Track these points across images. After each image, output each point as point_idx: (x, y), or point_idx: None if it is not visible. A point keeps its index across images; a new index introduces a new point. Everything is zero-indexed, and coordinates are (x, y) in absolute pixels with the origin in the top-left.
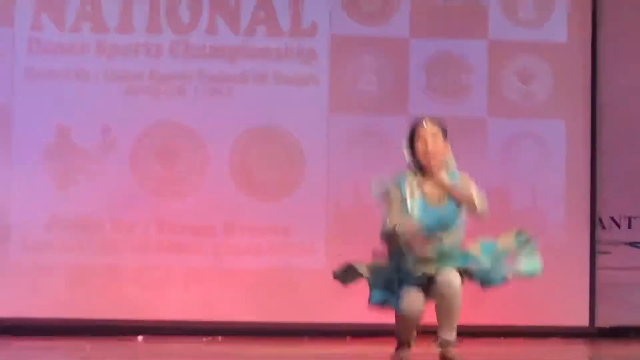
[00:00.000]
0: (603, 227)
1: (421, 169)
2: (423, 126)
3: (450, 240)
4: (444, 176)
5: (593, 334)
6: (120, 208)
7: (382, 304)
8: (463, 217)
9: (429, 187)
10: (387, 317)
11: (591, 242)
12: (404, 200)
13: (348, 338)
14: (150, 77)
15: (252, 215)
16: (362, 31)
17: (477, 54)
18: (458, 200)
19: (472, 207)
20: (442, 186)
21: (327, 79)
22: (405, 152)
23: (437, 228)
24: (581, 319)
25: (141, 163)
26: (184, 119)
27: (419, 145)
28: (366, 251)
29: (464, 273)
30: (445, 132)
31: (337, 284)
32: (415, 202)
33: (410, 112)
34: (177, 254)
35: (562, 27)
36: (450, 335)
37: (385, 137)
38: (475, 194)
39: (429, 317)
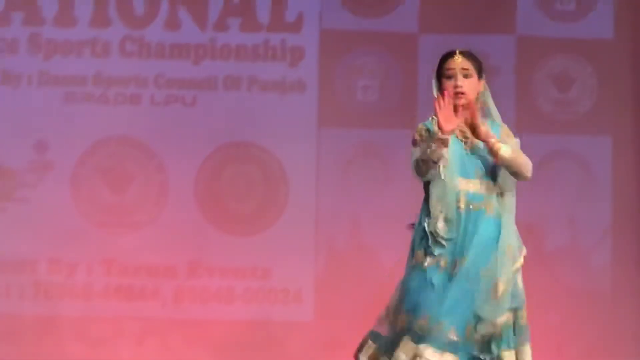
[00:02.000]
0: None
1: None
2: (453, 58)
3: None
4: (479, 119)
5: None
6: (59, 244)
7: None
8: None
9: (461, 126)
10: None
11: None
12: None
13: None
14: (96, 81)
15: (223, 253)
16: (360, 25)
17: (502, 53)
18: (493, 152)
19: (510, 165)
20: (474, 129)
21: (315, 84)
22: (434, 90)
23: (472, 166)
24: None
25: (85, 188)
26: (138, 133)
27: (446, 81)
28: (364, 298)
29: None
30: (480, 69)
31: (327, 340)
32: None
33: None
34: (128, 301)
35: (607, 21)
36: None
37: (388, 156)
38: (518, 151)
39: None
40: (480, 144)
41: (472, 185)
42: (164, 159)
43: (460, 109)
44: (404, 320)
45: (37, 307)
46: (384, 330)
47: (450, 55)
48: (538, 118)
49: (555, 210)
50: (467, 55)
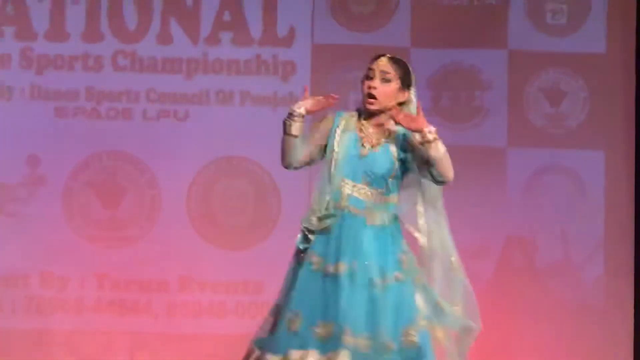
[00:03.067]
0: None
1: (365, 114)
2: (378, 59)
3: (379, 204)
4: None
5: None
6: (51, 259)
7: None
8: (413, 182)
9: (365, 130)
10: None
11: (636, 302)
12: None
13: None
14: (88, 95)
15: (215, 268)
16: (352, 39)
17: (494, 67)
18: (429, 141)
19: (442, 160)
20: (409, 120)
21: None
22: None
23: (361, 171)
24: None
25: (76, 203)
26: (130, 147)
27: (365, 81)
28: None
29: None
30: (407, 79)
31: None
32: (346, 137)
33: None
34: (120, 315)
35: (599, 35)
36: None
37: None
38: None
39: None
40: (379, 153)
41: (356, 190)
42: (155, 174)
43: (374, 113)
44: (294, 322)
45: (28, 322)
46: (266, 331)
47: (377, 57)
48: (530, 132)
49: (547, 225)
50: (395, 61)
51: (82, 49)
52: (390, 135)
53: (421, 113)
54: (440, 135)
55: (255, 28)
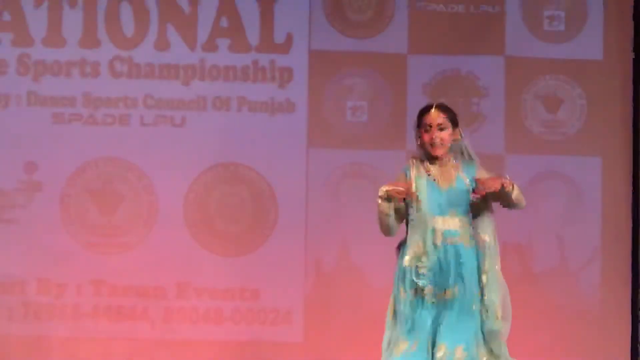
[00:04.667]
0: None
1: (429, 158)
2: (429, 113)
3: (460, 229)
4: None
5: None
6: (48, 265)
7: None
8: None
9: (436, 170)
10: None
11: (632, 308)
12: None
13: None
14: (85, 101)
15: (212, 274)
16: (349, 45)
17: (491, 74)
18: (507, 191)
19: (519, 200)
20: (486, 184)
21: (304, 104)
22: (416, 141)
23: (447, 206)
24: None
25: (74, 209)
26: (127, 154)
27: (423, 133)
28: (354, 318)
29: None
30: (454, 120)
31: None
32: (422, 182)
33: (409, 147)
34: (118, 321)
35: (596, 42)
36: None
37: (378, 177)
38: (510, 187)
39: None
40: (455, 187)
41: (447, 223)
42: (153, 180)
43: (439, 156)
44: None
45: (26, 328)
46: None
47: (427, 110)
48: (527, 139)
49: (545, 231)
50: (443, 108)
51: (79, 55)
52: (458, 169)
53: (487, 175)
54: None
55: (253, 34)
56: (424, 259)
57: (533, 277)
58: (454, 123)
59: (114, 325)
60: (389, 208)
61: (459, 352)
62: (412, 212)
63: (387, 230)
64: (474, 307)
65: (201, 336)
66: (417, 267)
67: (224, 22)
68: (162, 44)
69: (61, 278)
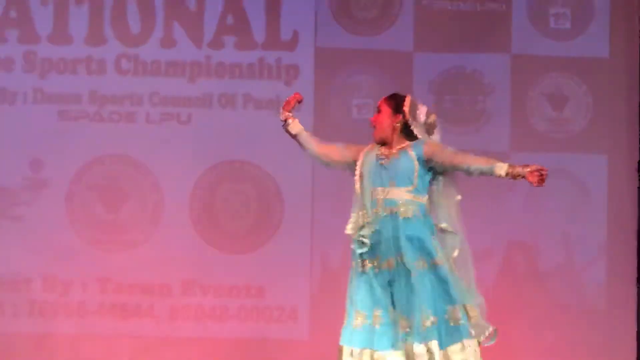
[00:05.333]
0: None
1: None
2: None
3: (408, 201)
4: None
5: None
6: (54, 262)
7: None
8: (436, 183)
9: (385, 148)
10: None
11: (638, 305)
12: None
13: None
14: (91, 99)
15: (217, 271)
16: (355, 43)
17: (497, 72)
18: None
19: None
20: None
21: (311, 101)
22: None
23: (387, 177)
24: None
25: (80, 206)
26: (133, 151)
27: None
28: None
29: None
30: (396, 104)
31: (323, 358)
32: (370, 155)
33: None
34: (123, 318)
35: (602, 40)
36: None
37: None
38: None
39: None
40: (397, 158)
41: (387, 193)
42: (158, 177)
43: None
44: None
45: (31, 325)
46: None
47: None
48: (533, 136)
49: (550, 228)
50: (388, 96)
51: (85, 53)
52: (407, 147)
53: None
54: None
55: (259, 32)
56: (364, 229)
57: (538, 275)
58: (397, 109)
59: (119, 323)
60: (292, 133)
61: (427, 321)
62: (356, 183)
63: (317, 161)
64: (423, 274)
65: (206, 334)
66: (360, 236)
67: (230, 20)
68: (168, 42)
69: (67, 275)
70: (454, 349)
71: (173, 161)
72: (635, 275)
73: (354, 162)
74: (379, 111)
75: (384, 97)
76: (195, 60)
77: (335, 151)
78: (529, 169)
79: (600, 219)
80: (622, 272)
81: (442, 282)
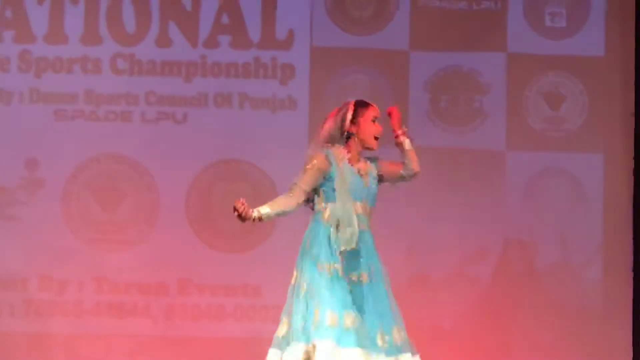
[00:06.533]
0: None
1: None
2: (373, 105)
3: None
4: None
5: None
6: (50, 262)
7: None
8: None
9: (357, 163)
10: None
11: (634, 304)
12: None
13: None
14: (87, 98)
15: (214, 270)
16: (351, 42)
17: (493, 70)
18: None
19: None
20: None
21: (306, 101)
22: (343, 131)
23: (364, 194)
24: None
25: (75, 206)
26: (129, 150)
27: (370, 125)
28: None
29: None
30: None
31: None
32: (347, 170)
33: None
34: (119, 318)
35: (598, 39)
36: None
37: None
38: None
39: None
40: (369, 177)
41: (361, 208)
42: (154, 176)
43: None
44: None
45: (27, 325)
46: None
47: (368, 103)
48: (529, 135)
49: (547, 228)
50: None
51: (81, 52)
52: (367, 163)
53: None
54: (439, 138)
55: (254, 31)
56: (339, 239)
57: (535, 274)
58: (335, 115)
59: (116, 322)
60: (263, 216)
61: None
62: (336, 195)
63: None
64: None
65: (203, 333)
66: (336, 245)
67: (226, 19)
68: (163, 41)
69: (63, 275)
70: None
71: (169, 160)
72: (631, 273)
73: (325, 172)
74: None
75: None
76: (190, 60)
77: (298, 194)
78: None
79: (597, 218)
80: (618, 270)
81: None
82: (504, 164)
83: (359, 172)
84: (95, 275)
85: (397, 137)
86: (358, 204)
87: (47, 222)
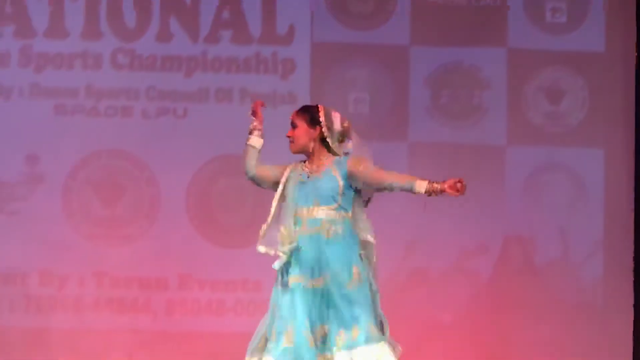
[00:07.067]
0: None
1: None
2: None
3: (333, 220)
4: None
5: None
6: (50, 257)
7: None
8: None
9: (309, 165)
10: None
11: (635, 301)
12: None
13: None
14: (87, 93)
15: (214, 265)
16: (351, 37)
17: (493, 65)
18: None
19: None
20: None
21: (307, 96)
22: None
23: (312, 196)
24: None
25: (76, 201)
26: (130, 146)
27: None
28: None
29: None
30: (310, 117)
31: None
32: (295, 174)
33: (411, 138)
34: (120, 313)
35: (598, 34)
36: None
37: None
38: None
39: None
40: (320, 178)
41: (311, 213)
42: (155, 172)
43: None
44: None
45: (27, 320)
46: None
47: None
48: (529, 130)
49: (547, 223)
50: (301, 109)
51: (81, 47)
52: (330, 164)
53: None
54: (440, 133)
55: (255, 26)
56: (285, 246)
57: (535, 269)
58: (313, 122)
59: (116, 317)
60: (251, 144)
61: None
62: (284, 200)
63: (250, 181)
64: (343, 293)
65: (203, 328)
66: (281, 252)
67: (226, 14)
68: (164, 36)
69: (63, 270)
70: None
71: (169, 156)
72: (632, 269)
73: (278, 181)
74: (294, 126)
75: (295, 111)
76: (191, 55)
77: (268, 171)
78: (447, 184)
79: (597, 213)
80: (619, 266)
81: (354, 303)
82: (504, 159)
83: (303, 174)
84: (95, 270)
85: None
86: (303, 208)
87: (47, 217)
